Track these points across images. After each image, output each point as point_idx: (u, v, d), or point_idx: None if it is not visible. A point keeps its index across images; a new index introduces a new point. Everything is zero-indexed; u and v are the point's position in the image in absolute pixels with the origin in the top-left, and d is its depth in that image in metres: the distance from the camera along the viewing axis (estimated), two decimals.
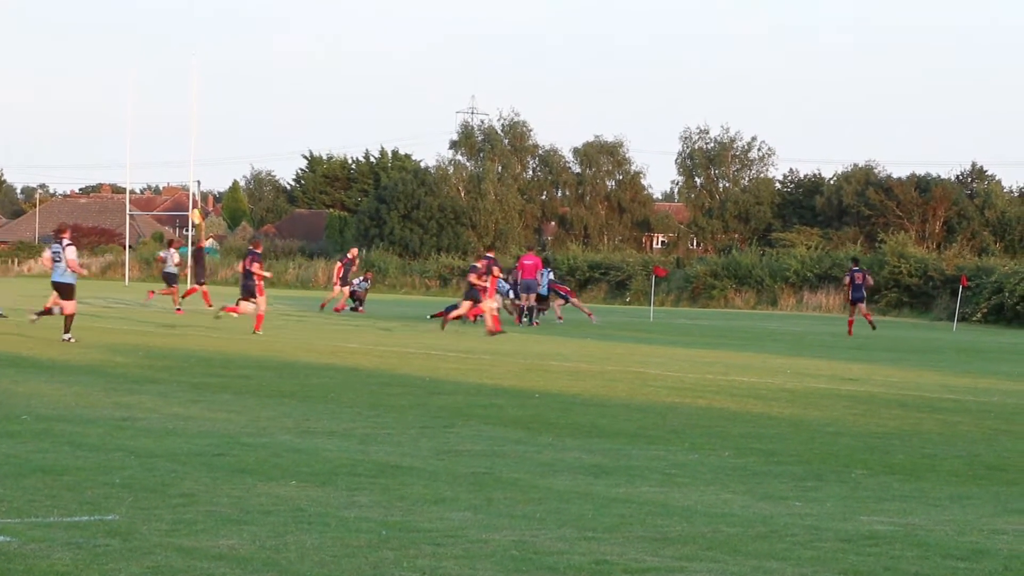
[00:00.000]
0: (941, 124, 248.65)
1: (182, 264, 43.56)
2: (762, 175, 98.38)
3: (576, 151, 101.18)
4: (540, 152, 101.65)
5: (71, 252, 26.27)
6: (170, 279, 42.55)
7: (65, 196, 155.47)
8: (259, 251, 33.01)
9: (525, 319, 39.90)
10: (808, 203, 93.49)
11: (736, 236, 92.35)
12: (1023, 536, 9.62)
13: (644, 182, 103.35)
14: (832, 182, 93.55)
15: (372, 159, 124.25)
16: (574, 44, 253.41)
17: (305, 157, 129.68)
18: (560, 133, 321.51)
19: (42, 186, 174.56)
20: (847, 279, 42.11)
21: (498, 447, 13.39)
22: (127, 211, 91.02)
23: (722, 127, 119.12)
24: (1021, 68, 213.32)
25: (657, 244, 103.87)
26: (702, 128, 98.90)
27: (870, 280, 42.60)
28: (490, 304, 34.22)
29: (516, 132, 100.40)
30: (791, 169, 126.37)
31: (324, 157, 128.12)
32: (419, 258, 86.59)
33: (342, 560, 8.19)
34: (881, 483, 11.90)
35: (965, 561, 8.68)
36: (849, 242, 74.59)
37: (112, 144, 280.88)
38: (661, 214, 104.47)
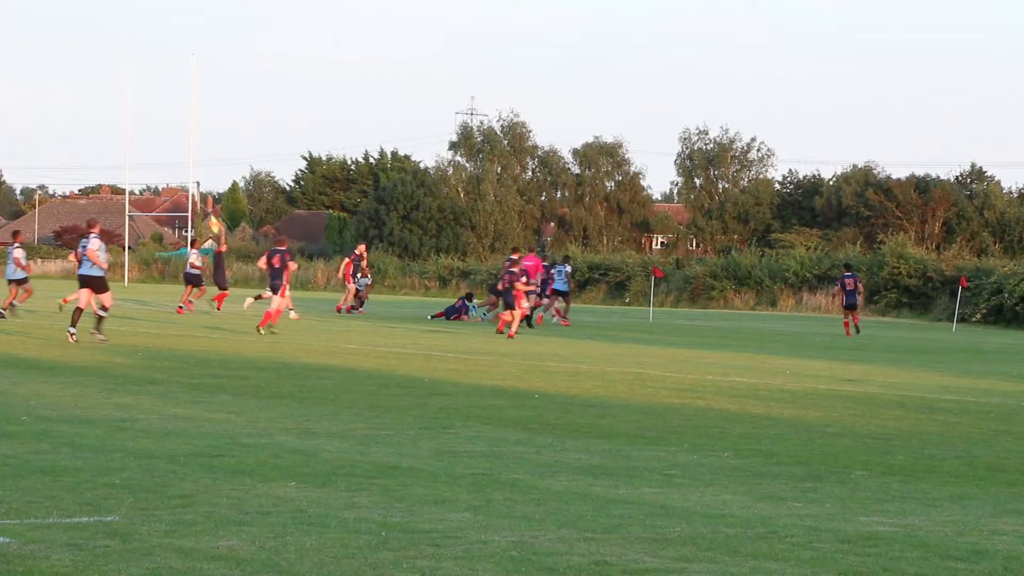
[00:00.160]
0: (940, 125, 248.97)
1: (205, 270, 43.37)
2: (761, 176, 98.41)
3: (575, 152, 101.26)
4: (539, 153, 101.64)
5: (94, 243, 26.06)
6: (195, 280, 42.27)
7: (64, 197, 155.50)
8: (286, 248, 32.49)
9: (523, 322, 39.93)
10: (807, 204, 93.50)
11: (735, 237, 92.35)
12: (1022, 537, 9.62)
13: (643, 183, 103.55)
14: (831, 183, 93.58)
15: (371, 160, 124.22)
16: (573, 45, 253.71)
17: (304, 158, 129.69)
18: (559, 134, 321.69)
19: (41, 187, 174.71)
20: (838, 286, 42.15)
21: (497, 448, 13.39)
22: (126, 212, 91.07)
23: (721, 128, 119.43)
24: (1021, 68, 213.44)
25: (656, 245, 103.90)
26: (701, 129, 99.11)
27: (861, 287, 42.64)
28: (525, 306, 34.67)
29: (515, 133, 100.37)
30: (790, 170, 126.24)
31: (323, 158, 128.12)
32: (418, 259, 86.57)
33: (342, 561, 8.19)
34: (880, 484, 11.90)
35: (964, 562, 8.68)
36: (848, 243, 74.56)
37: (111, 145, 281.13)
38: (660, 215, 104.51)
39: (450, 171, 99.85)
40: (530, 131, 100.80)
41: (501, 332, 32.73)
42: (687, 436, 14.71)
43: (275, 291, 31.14)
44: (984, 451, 14.31)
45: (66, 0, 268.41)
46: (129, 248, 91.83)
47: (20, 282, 34.30)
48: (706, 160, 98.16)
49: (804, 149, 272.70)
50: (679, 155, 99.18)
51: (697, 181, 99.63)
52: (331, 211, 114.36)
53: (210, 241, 44.80)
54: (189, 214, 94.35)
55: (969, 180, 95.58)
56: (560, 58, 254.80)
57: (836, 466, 12.82)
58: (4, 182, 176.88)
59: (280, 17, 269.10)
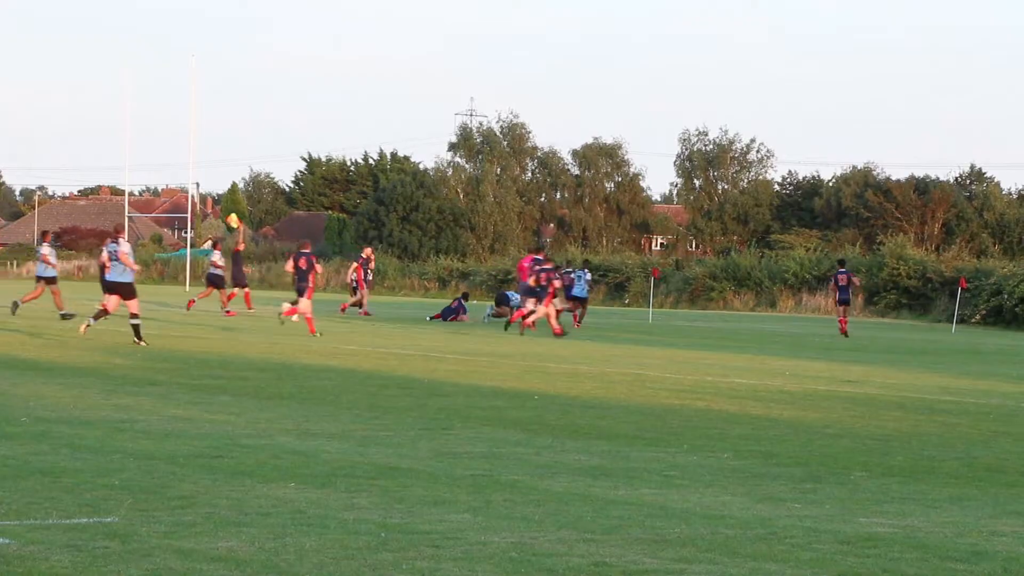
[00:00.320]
0: (940, 125, 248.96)
1: (225, 268, 43.36)
2: (761, 177, 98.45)
3: (575, 153, 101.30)
4: (539, 154, 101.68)
5: (125, 246, 26.36)
6: (218, 281, 42.24)
7: (64, 198, 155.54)
8: (311, 250, 32.81)
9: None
10: (807, 205, 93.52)
11: (735, 238, 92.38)
12: (1022, 538, 9.63)
13: (643, 184, 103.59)
14: (831, 184, 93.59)
15: (371, 161, 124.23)
16: (573, 45, 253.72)
17: (304, 159, 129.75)
18: (559, 135, 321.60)
19: (41, 188, 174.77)
20: (832, 282, 42.16)
21: (497, 449, 13.39)
22: (126, 213, 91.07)
23: (721, 129, 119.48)
24: (1021, 69, 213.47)
25: (656, 246, 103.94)
26: (701, 130, 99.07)
27: (856, 281, 42.60)
28: (555, 306, 35.05)
29: (515, 134, 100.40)
30: (790, 171, 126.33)
31: (323, 159, 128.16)
32: (418, 260, 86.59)
33: (341, 562, 8.19)
34: (880, 485, 11.90)
35: (964, 563, 8.69)
36: (848, 244, 74.57)
37: (111, 146, 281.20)
38: (660, 216, 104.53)
39: (449, 172, 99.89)
40: (530, 132, 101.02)
41: (523, 333, 34.07)
42: (686, 437, 14.71)
43: (301, 293, 31.72)
44: (983, 452, 14.31)
45: (66, 0, 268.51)
46: None
47: (50, 280, 34.41)
48: (706, 161, 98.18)
49: (804, 150, 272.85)
50: (679, 156, 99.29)
51: (696, 182, 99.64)
52: (330, 212, 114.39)
53: (208, 242, 44.90)
54: (189, 215, 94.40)
55: (969, 181, 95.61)
56: (560, 58, 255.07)
57: (835, 467, 12.82)
58: (4, 183, 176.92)
59: (280, 17, 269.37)
